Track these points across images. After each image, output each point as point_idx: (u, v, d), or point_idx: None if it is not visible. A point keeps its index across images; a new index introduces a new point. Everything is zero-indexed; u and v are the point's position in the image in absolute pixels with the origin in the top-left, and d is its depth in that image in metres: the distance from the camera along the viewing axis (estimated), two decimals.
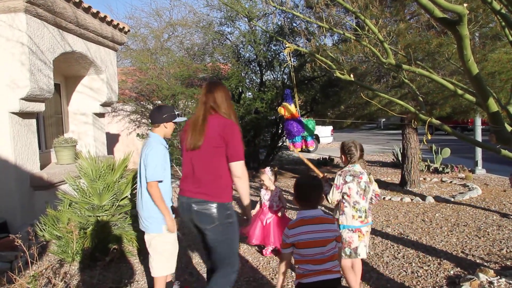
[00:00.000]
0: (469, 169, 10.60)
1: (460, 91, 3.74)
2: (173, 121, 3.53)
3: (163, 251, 3.43)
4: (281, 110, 4.69)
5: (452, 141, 18.06)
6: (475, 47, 6.46)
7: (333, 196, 3.54)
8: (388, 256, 4.69)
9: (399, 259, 4.61)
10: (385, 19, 6.79)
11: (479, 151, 10.35)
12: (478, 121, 10.13)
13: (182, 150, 3.16)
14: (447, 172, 10.48)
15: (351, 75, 4.06)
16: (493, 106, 2.87)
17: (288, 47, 4.60)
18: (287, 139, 4.75)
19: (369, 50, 3.98)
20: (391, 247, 5.01)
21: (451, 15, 2.82)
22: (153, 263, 3.47)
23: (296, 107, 4.77)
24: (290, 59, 4.68)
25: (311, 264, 2.45)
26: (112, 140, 12.31)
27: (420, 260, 4.55)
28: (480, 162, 10.44)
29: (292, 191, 2.72)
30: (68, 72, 7.45)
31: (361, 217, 3.51)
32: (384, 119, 33.24)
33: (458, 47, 2.66)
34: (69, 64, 7.00)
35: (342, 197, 3.54)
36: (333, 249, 2.49)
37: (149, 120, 3.59)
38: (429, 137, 3.70)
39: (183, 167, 3.16)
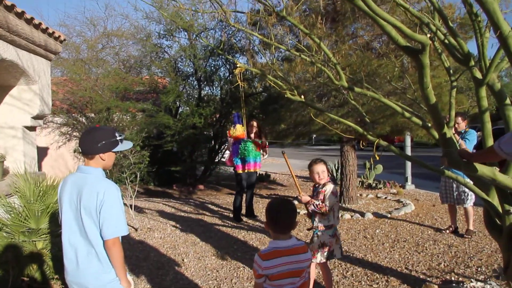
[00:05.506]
0: (400, 184, 11.11)
1: (407, 114, 3.90)
2: (114, 150, 2.50)
3: None
4: (231, 131, 4.66)
5: (381, 156, 18.81)
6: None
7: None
8: (337, 275, 4.73)
9: (349, 278, 4.68)
10: (328, 40, 6.98)
11: (409, 167, 10.89)
12: (408, 139, 10.66)
13: None
14: (380, 188, 10.91)
15: (302, 96, 4.10)
16: (448, 132, 3.01)
17: (239, 67, 4.56)
18: (234, 159, 4.74)
19: (312, 70, 4.10)
20: (339, 265, 5.07)
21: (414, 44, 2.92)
22: None
23: (243, 126, 4.75)
24: (241, 79, 4.63)
25: None
26: (40, 154, 11.52)
27: (368, 278, 4.65)
28: (409, 178, 10.97)
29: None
30: None
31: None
32: (314, 135, 34.11)
33: (419, 74, 2.78)
34: None
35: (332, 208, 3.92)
36: (303, 277, 2.44)
37: (80, 148, 2.49)
38: (377, 158, 3.87)
39: None
